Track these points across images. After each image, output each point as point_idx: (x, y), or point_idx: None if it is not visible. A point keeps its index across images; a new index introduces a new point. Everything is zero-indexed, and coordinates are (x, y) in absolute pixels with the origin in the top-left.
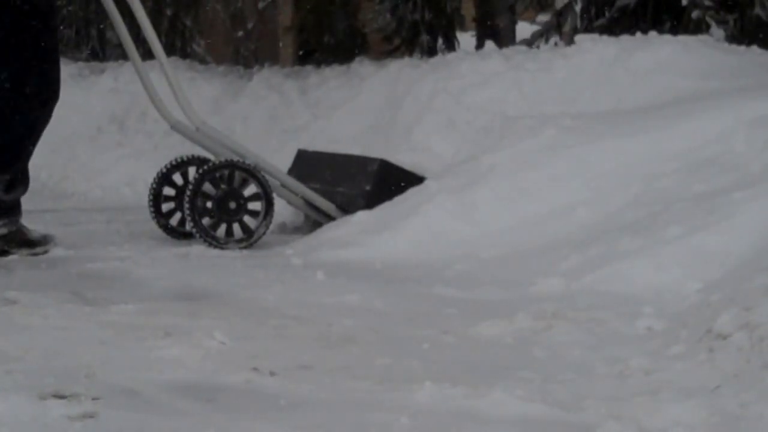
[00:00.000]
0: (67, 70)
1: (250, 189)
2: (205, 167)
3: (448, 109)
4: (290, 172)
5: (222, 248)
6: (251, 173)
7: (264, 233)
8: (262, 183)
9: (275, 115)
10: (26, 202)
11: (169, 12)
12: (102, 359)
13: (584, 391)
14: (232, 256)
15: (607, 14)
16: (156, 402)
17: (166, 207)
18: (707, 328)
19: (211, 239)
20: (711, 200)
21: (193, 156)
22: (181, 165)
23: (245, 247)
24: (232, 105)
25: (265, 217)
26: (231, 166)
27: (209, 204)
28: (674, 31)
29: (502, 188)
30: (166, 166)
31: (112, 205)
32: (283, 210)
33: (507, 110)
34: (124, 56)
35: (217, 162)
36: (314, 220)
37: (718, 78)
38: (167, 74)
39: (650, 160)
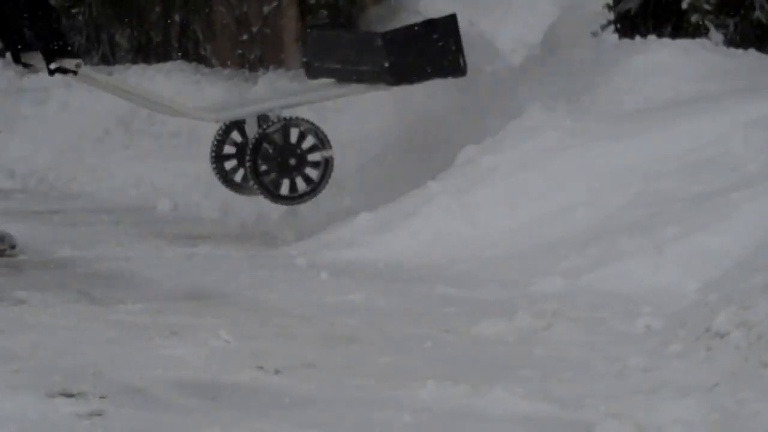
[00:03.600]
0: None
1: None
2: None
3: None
4: (306, 53)
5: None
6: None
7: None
8: (318, 135)
9: None
10: (34, 203)
11: (178, 17)
12: (109, 358)
13: (584, 390)
14: (236, 256)
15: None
16: (162, 400)
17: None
18: (705, 327)
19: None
20: (709, 201)
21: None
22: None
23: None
24: None
25: (325, 169)
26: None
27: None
28: (674, 35)
29: (502, 189)
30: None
31: (119, 206)
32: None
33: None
34: (133, 60)
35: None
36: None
37: (717, 80)
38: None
39: (649, 161)
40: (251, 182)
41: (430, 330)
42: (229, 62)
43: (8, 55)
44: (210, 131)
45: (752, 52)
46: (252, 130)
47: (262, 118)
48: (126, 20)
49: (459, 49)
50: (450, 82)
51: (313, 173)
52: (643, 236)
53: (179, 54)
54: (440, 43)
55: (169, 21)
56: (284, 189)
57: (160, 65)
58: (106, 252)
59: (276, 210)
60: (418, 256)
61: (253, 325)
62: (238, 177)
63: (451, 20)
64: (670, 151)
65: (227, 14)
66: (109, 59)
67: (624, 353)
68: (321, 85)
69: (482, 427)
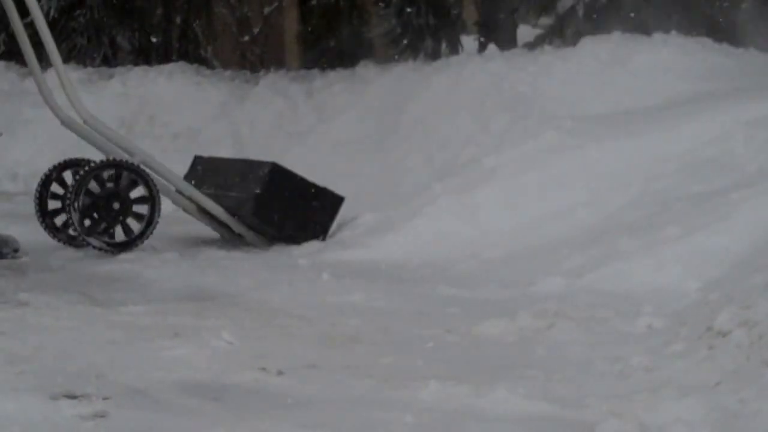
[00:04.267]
0: (76, 75)
1: (138, 191)
2: (90, 166)
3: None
4: (186, 177)
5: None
6: (139, 174)
7: (148, 237)
8: (149, 185)
9: (281, 118)
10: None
11: (179, 19)
12: (112, 359)
13: (585, 389)
14: (239, 257)
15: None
16: (165, 401)
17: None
18: (707, 326)
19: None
20: (710, 200)
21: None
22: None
23: (125, 251)
24: (238, 109)
25: (150, 222)
26: (117, 165)
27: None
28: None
29: (503, 189)
30: (49, 169)
31: None
32: None
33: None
34: (134, 62)
35: (103, 161)
36: None
37: (717, 80)
38: (58, 72)
39: (650, 161)
40: None
41: (432, 330)
42: (230, 63)
43: None
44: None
45: (752, 51)
46: None
47: None
48: (127, 22)
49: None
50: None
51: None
52: (643, 236)
53: (180, 56)
54: (318, 211)
55: (169, 23)
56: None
57: (162, 67)
58: (108, 254)
59: None
60: (419, 257)
61: (256, 326)
62: None
63: (338, 201)
64: (670, 151)
65: (228, 16)
66: (110, 61)
67: (625, 353)
68: None
69: (484, 427)
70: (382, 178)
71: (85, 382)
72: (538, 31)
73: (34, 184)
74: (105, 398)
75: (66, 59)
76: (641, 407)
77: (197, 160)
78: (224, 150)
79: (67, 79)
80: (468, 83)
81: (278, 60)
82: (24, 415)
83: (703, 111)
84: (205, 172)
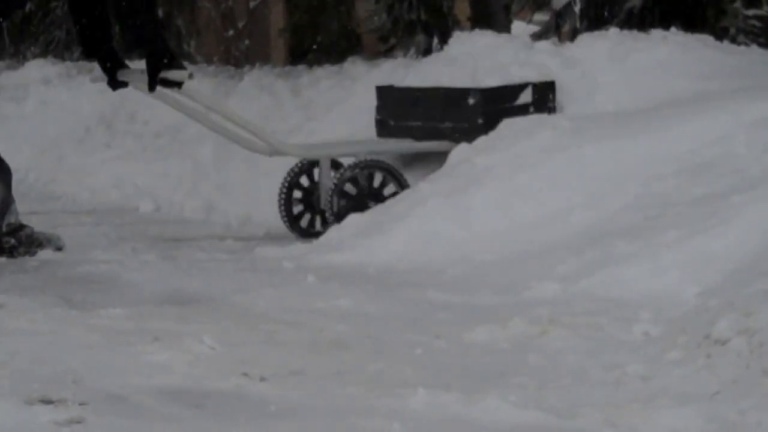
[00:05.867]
0: (54, 69)
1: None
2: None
3: None
4: (380, 111)
5: None
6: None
7: None
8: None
9: (267, 115)
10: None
11: (160, 12)
12: (89, 364)
13: (580, 398)
14: (221, 259)
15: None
16: (144, 408)
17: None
18: (705, 334)
19: None
20: (710, 203)
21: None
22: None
23: None
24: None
25: None
26: (372, 166)
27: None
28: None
29: (496, 191)
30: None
31: (100, 208)
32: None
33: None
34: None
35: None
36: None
37: (718, 79)
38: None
39: (648, 162)
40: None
41: (422, 336)
42: (214, 58)
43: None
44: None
45: (755, 48)
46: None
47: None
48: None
49: None
50: None
51: None
52: (641, 240)
53: None
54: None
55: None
56: None
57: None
58: (86, 255)
59: (261, 212)
60: (409, 260)
61: (239, 331)
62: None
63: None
64: (669, 152)
65: (212, 9)
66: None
67: (621, 360)
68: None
69: None
70: None
71: (62, 387)
72: (533, 28)
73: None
74: (82, 404)
75: (43, 53)
76: (637, 417)
77: (384, 91)
78: (205, 148)
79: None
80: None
81: (264, 55)
82: None
83: (703, 111)
84: (401, 105)
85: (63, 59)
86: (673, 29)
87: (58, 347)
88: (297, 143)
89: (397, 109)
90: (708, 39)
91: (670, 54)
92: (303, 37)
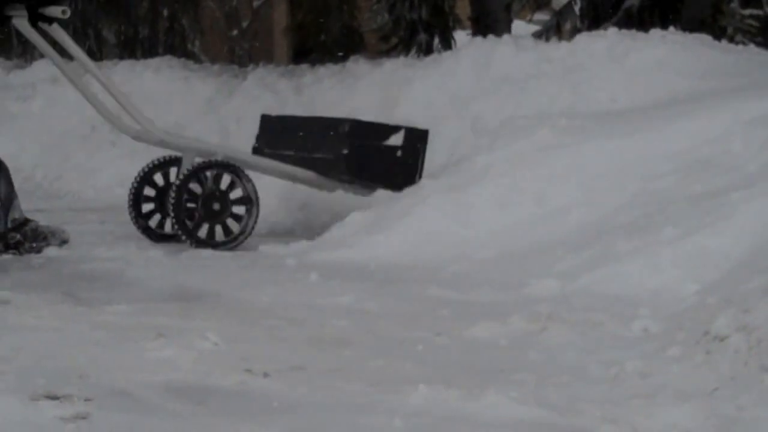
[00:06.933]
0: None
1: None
2: (192, 167)
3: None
4: (258, 139)
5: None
6: (237, 173)
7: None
8: (245, 185)
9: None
10: (21, 201)
11: (166, 12)
12: (95, 360)
13: (579, 394)
14: (225, 256)
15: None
16: (148, 403)
17: (146, 208)
18: (704, 330)
19: (194, 240)
20: (708, 201)
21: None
22: (162, 165)
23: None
24: (226, 104)
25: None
26: (217, 165)
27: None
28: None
29: (496, 189)
30: (148, 166)
31: (105, 206)
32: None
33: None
34: (119, 56)
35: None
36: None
37: (716, 77)
38: (106, 84)
39: (646, 160)
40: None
41: (423, 333)
42: (218, 58)
43: None
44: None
45: (752, 48)
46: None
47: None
48: (113, 15)
49: (420, 166)
50: None
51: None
52: (640, 237)
53: (167, 49)
54: (405, 154)
55: (156, 16)
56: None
57: (148, 61)
58: (91, 252)
59: (264, 210)
60: (410, 257)
61: (242, 327)
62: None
63: (423, 135)
64: (667, 150)
65: (216, 9)
66: (95, 54)
67: (620, 357)
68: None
69: None
70: None
71: (67, 383)
72: (533, 27)
73: (18, 180)
74: (87, 399)
75: None
76: (636, 413)
77: (266, 120)
78: None
79: (119, 91)
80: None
81: (267, 55)
82: (3, 416)
83: (701, 109)
84: (278, 133)
85: (70, 59)
86: (671, 29)
87: (63, 343)
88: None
89: (275, 137)
90: (706, 38)
91: (669, 53)
92: (306, 36)
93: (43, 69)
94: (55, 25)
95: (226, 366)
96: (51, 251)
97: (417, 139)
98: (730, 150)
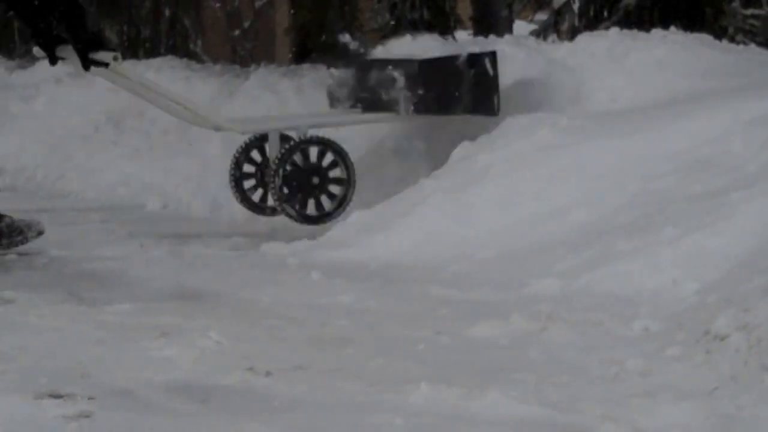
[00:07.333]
0: (64, 69)
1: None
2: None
3: None
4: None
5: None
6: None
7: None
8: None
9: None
10: (23, 202)
11: (168, 12)
12: (97, 359)
13: (580, 393)
14: (227, 255)
15: (605, 13)
16: (151, 402)
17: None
18: (704, 330)
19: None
20: (708, 201)
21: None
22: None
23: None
24: (227, 104)
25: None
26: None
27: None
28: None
29: (497, 188)
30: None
31: (108, 205)
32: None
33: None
34: (122, 55)
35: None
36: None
37: (717, 77)
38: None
39: (647, 160)
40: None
41: (424, 332)
42: (220, 58)
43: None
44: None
45: (752, 47)
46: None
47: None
48: (115, 14)
49: (495, 89)
50: None
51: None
52: (640, 237)
53: (169, 49)
54: (476, 79)
55: (159, 16)
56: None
57: (151, 61)
58: (94, 251)
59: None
60: (411, 257)
61: (244, 327)
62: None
63: (492, 57)
64: (667, 150)
65: (218, 9)
66: None
67: (621, 356)
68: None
69: (476, 431)
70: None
71: (70, 381)
72: (534, 27)
73: (20, 179)
74: (90, 398)
75: None
76: (637, 412)
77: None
78: (213, 146)
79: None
80: None
81: (269, 55)
82: (7, 414)
83: (701, 109)
84: (352, 87)
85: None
86: (672, 28)
87: (66, 342)
88: (238, 118)
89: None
90: (706, 38)
91: (669, 53)
92: (308, 36)
93: (45, 69)
94: (113, 65)
95: (228, 365)
96: (54, 251)
97: (487, 61)
98: (730, 150)
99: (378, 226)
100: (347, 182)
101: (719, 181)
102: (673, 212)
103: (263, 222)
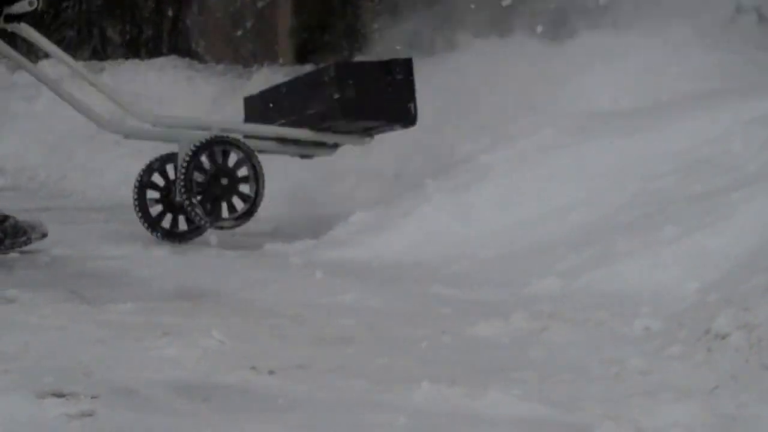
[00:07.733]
0: (65, 69)
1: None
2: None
3: None
4: (246, 121)
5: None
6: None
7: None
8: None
9: None
10: (25, 201)
11: (170, 12)
12: (100, 358)
13: (581, 392)
14: (230, 255)
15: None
16: (154, 401)
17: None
18: (705, 329)
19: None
20: (708, 200)
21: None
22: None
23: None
24: (230, 104)
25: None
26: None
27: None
28: None
29: (498, 188)
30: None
31: (110, 205)
32: (278, 215)
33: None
34: (124, 55)
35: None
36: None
37: (716, 78)
38: (91, 80)
39: (647, 160)
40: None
41: (425, 331)
42: (222, 58)
43: None
44: None
45: (752, 48)
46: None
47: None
48: (118, 14)
49: (412, 97)
50: None
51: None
52: (641, 236)
53: (171, 49)
54: (394, 87)
55: (161, 16)
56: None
57: (153, 61)
58: (96, 251)
59: (268, 208)
60: (413, 256)
61: (246, 326)
62: None
63: (407, 63)
64: (668, 150)
65: (221, 9)
66: (100, 54)
67: (622, 355)
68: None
69: (478, 430)
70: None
71: (73, 381)
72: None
73: (22, 179)
74: (93, 397)
75: None
76: (638, 411)
77: (249, 101)
78: None
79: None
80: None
81: (271, 55)
82: (10, 414)
83: (702, 109)
84: (265, 107)
85: (74, 59)
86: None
87: (68, 341)
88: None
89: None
90: (706, 38)
91: (669, 53)
92: (310, 36)
93: (48, 69)
94: (23, 25)
95: (230, 364)
96: (57, 250)
97: (403, 68)
98: (730, 150)
99: (380, 225)
100: (255, 181)
101: (719, 181)
102: (673, 212)
103: (265, 221)
